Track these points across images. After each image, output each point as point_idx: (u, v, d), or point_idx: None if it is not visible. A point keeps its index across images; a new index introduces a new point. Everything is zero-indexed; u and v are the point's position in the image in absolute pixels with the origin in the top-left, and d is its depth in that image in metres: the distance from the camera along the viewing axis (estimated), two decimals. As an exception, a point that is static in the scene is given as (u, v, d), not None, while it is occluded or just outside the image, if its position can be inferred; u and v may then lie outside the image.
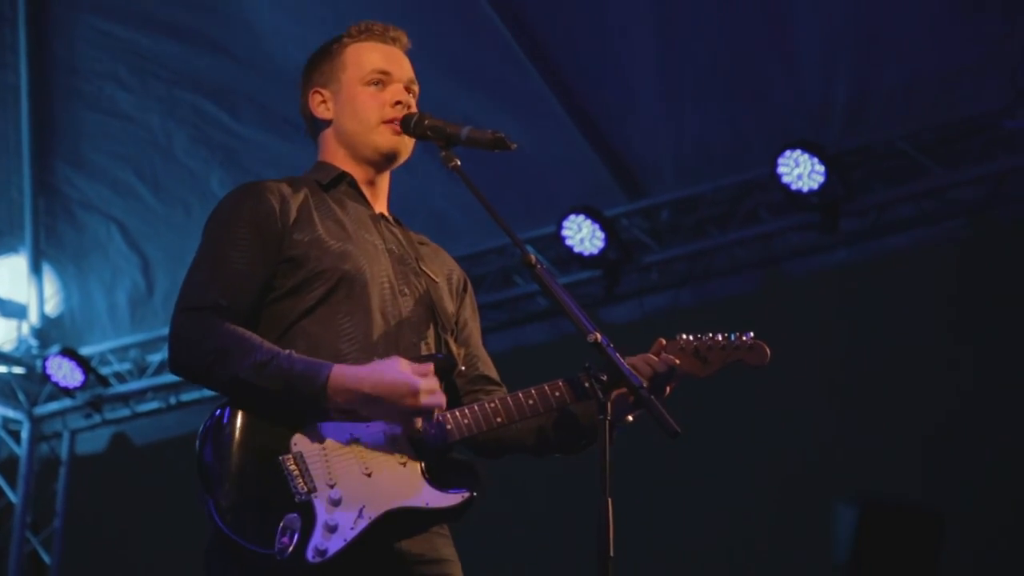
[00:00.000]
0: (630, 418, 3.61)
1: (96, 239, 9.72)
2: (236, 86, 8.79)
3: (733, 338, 3.69)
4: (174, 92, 8.95)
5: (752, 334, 3.70)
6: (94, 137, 9.31)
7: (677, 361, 3.62)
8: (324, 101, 3.84)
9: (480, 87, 8.25)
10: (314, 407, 3.41)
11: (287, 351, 3.43)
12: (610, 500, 3.18)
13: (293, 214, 3.62)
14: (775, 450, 9.15)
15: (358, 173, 3.82)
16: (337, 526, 3.34)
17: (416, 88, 3.85)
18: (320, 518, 3.34)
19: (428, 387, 3.42)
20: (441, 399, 3.45)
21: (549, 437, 3.75)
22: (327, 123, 3.84)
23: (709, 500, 9.45)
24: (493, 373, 3.88)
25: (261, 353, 3.40)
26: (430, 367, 3.47)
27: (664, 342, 3.68)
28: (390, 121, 3.75)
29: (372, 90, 3.79)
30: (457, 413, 3.54)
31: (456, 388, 3.75)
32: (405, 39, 3.90)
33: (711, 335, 3.69)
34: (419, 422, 3.46)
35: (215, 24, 8.59)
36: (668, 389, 3.66)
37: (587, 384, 3.40)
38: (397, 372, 3.41)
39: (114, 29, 8.80)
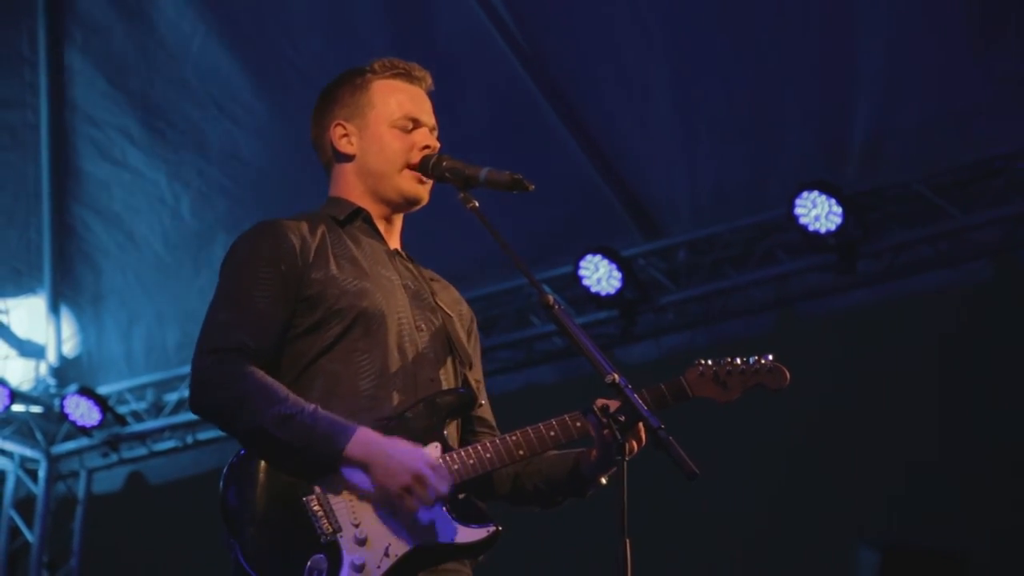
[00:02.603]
0: (603, 480, 3.62)
1: (112, 285, 9.76)
2: (239, 149, 8.87)
3: (752, 361, 3.69)
4: (180, 153, 9.03)
5: (771, 356, 3.70)
6: (109, 185, 9.37)
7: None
8: (347, 135, 3.81)
9: (497, 128, 8.28)
10: (329, 465, 3.40)
11: (312, 407, 3.42)
12: (628, 540, 3.17)
13: (312, 253, 3.61)
14: (789, 491, 9.11)
15: (375, 210, 3.81)
16: (364, 565, 3.34)
17: (436, 133, 3.85)
18: (346, 558, 3.34)
19: (433, 483, 3.38)
20: (430, 501, 3.39)
21: (525, 488, 3.75)
22: (348, 158, 3.82)
23: (721, 541, 9.41)
24: (490, 416, 3.85)
25: (286, 406, 3.39)
26: (447, 473, 3.44)
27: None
28: (415, 166, 3.75)
29: (399, 132, 3.78)
30: (479, 447, 3.53)
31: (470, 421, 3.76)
32: (429, 80, 3.89)
33: (729, 359, 3.69)
34: (409, 503, 3.40)
35: (219, 84, 8.68)
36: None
37: (605, 419, 3.40)
38: (416, 455, 3.40)
39: (125, 82, 8.89)
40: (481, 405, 3.80)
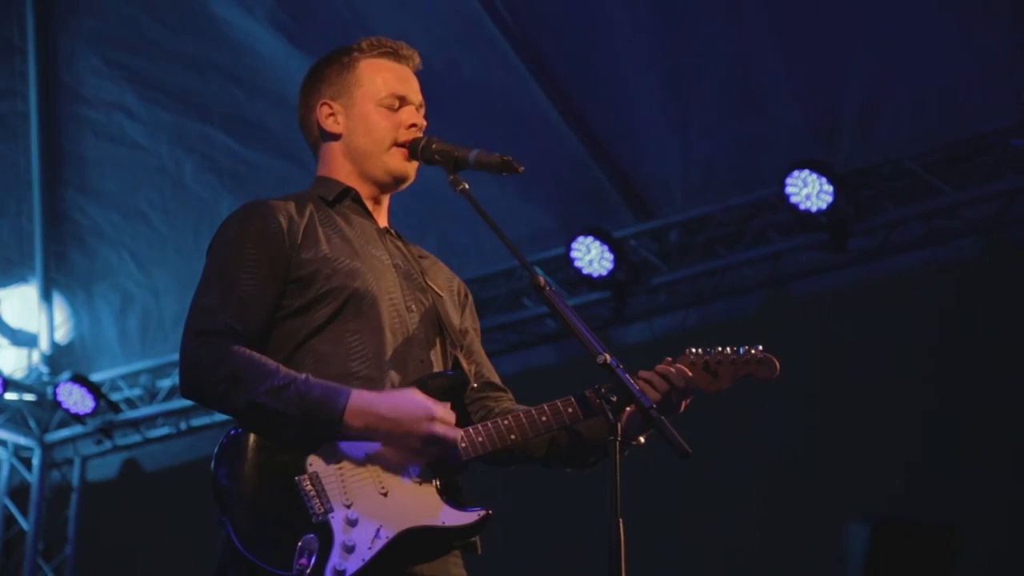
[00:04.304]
0: (642, 439, 3.58)
1: (106, 266, 9.74)
2: (243, 112, 8.83)
3: (742, 351, 3.66)
4: (181, 120, 8.99)
5: (761, 347, 3.68)
6: (103, 164, 9.35)
7: (690, 373, 3.58)
8: (333, 114, 3.81)
9: (487, 109, 8.27)
10: (330, 432, 3.40)
11: (303, 375, 3.42)
12: (621, 521, 3.18)
13: (300, 233, 3.61)
14: (781, 469, 9.14)
15: (363, 190, 3.80)
16: (355, 546, 3.34)
17: (423, 111, 3.84)
18: (337, 538, 3.34)
19: (444, 417, 3.43)
20: (456, 433, 3.46)
21: (560, 450, 3.75)
22: (335, 137, 3.81)
23: (713, 519, 9.43)
24: (497, 379, 3.87)
25: (278, 378, 3.40)
26: (447, 404, 3.49)
27: (671, 360, 3.66)
28: (403, 144, 3.75)
29: (385, 111, 3.77)
30: (471, 431, 3.53)
31: (464, 403, 3.76)
32: (417, 58, 3.89)
33: (720, 349, 3.66)
34: (434, 452, 3.45)
35: (221, 51, 8.64)
36: (683, 405, 3.62)
37: (598, 402, 3.40)
38: (415, 398, 3.43)
39: (121, 58, 8.85)
40: (481, 376, 3.82)
